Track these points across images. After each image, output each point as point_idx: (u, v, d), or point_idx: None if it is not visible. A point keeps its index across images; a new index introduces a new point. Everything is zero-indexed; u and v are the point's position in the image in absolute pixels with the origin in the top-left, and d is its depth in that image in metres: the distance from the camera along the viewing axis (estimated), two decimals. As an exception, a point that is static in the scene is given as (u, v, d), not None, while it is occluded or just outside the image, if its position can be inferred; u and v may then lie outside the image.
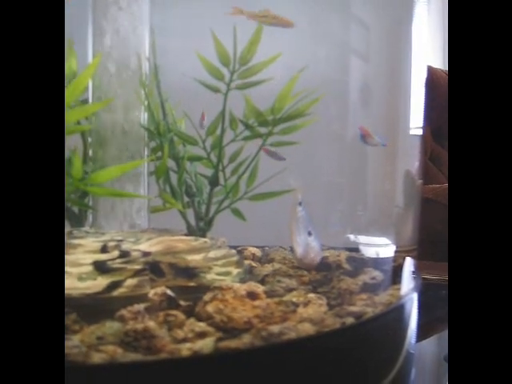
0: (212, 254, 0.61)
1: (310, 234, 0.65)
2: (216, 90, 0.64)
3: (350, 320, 0.51)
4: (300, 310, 0.54)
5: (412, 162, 0.78)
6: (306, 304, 0.55)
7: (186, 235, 0.63)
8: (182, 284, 0.57)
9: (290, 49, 0.63)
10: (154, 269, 0.56)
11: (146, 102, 0.62)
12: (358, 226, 0.74)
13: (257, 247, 0.79)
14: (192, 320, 0.50)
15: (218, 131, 0.65)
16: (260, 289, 0.57)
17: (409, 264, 0.68)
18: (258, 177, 0.66)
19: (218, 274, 0.59)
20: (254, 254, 0.76)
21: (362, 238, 0.73)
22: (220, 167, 0.65)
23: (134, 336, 0.46)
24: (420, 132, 0.78)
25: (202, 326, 0.49)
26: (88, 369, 0.41)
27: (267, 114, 0.64)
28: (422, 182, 0.78)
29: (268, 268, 0.70)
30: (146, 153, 0.64)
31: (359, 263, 0.68)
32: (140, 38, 0.63)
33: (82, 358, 0.41)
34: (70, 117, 0.57)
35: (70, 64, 0.65)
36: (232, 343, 0.44)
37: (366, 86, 0.77)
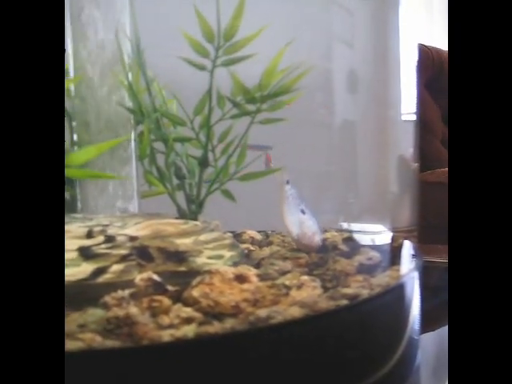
0: (203, 238, 0.59)
1: (303, 212, 0.63)
2: (201, 68, 0.62)
3: (343, 302, 0.49)
4: (293, 293, 0.52)
5: (406, 147, 0.76)
6: (300, 287, 0.53)
7: (176, 219, 0.61)
8: (172, 269, 0.56)
9: (276, 23, 0.61)
10: (141, 254, 0.54)
11: (126, 82, 0.60)
12: (351, 214, 0.72)
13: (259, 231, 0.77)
14: (179, 305, 0.48)
15: (206, 110, 0.62)
16: (252, 272, 0.55)
17: (408, 245, 0.66)
18: (247, 157, 0.64)
19: (210, 257, 0.57)
20: (252, 238, 0.74)
21: (356, 226, 0.71)
22: (210, 147, 0.63)
23: (116, 323, 0.44)
24: (413, 117, 0.75)
25: (188, 311, 0.47)
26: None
27: (254, 90, 0.62)
28: (418, 165, 0.75)
29: (266, 251, 0.68)
30: (132, 135, 0.62)
31: (356, 244, 0.66)
32: (120, 17, 0.61)
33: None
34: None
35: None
36: (211, 328, 0.42)
37: (351, 72, 0.75)
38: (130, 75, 0.61)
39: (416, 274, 0.58)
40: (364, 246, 0.64)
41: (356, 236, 0.68)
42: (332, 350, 0.47)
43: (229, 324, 0.43)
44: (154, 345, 0.41)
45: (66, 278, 0.51)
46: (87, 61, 0.60)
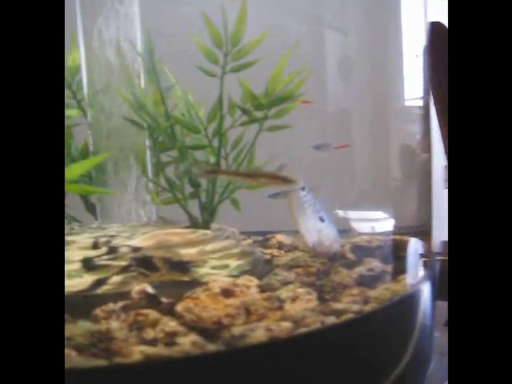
0: (210, 247, 0.59)
1: (321, 219, 0.62)
2: (212, 75, 0.62)
3: (330, 319, 0.49)
4: (287, 305, 0.52)
5: (410, 134, 0.72)
6: (294, 300, 0.53)
7: (189, 227, 0.62)
8: (175, 279, 0.57)
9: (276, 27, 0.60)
10: (145, 264, 0.56)
11: (129, 96, 0.61)
12: (348, 201, 0.70)
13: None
14: (167, 319, 0.49)
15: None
16: (252, 283, 0.56)
17: (415, 249, 0.64)
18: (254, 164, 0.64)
19: (214, 267, 0.58)
20: (280, 242, 0.74)
21: (354, 213, 0.68)
22: (223, 154, 0.64)
23: (98, 337, 0.46)
24: (419, 103, 0.71)
25: (173, 325, 0.48)
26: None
27: (262, 97, 0.62)
28: (427, 155, 0.71)
29: (289, 257, 0.68)
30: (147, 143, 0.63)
31: (365, 252, 0.64)
32: (133, 26, 0.63)
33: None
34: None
35: (74, 57, 0.66)
36: (165, 351, 0.43)
37: (346, 59, 0.72)
38: (140, 84, 0.62)
39: (425, 285, 0.56)
40: (372, 254, 0.62)
41: (354, 224, 0.66)
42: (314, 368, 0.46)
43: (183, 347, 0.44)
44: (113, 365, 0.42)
45: (67, 289, 0.54)
46: (100, 71, 0.62)
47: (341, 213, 0.66)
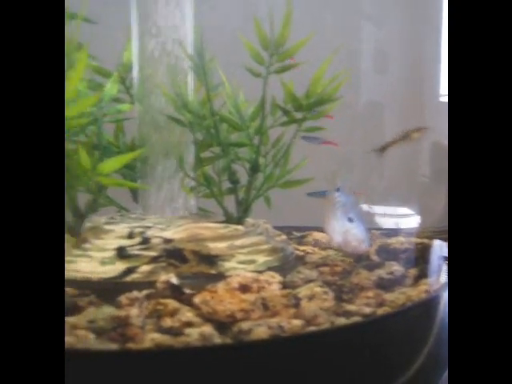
0: (239, 242, 0.62)
1: (350, 220, 0.63)
2: (257, 75, 0.64)
3: (341, 320, 0.50)
4: (303, 303, 0.54)
5: (443, 131, 0.71)
6: (311, 298, 0.54)
7: (223, 222, 0.65)
8: (204, 271, 0.60)
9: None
10: (175, 255, 0.59)
11: (172, 94, 0.64)
12: (375, 196, 0.70)
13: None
14: (185, 309, 0.52)
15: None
16: (275, 279, 0.58)
17: (440, 249, 0.63)
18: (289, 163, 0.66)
19: (240, 262, 0.60)
20: (316, 240, 0.76)
21: (379, 208, 0.68)
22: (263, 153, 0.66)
23: (117, 323, 0.49)
24: None
25: (189, 316, 0.51)
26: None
27: (303, 99, 0.63)
28: None
29: (321, 255, 0.69)
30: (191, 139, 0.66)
31: (389, 254, 0.64)
32: (184, 27, 0.66)
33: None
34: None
35: (128, 55, 0.70)
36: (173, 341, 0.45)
37: (381, 53, 0.72)
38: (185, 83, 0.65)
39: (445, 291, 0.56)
40: (397, 256, 0.63)
41: (378, 219, 0.66)
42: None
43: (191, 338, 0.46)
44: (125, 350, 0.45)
45: (99, 275, 0.57)
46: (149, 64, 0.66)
47: (366, 208, 0.67)
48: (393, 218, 0.71)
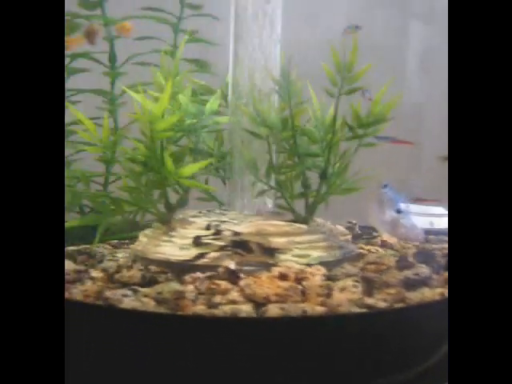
0: (299, 239, 0.72)
1: (398, 211, 0.70)
2: (332, 95, 0.74)
3: (356, 310, 0.59)
4: (335, 294, 0.63)
5: None
6: (342, 290, 0.63)
7: (291, 221, 0.75)
8: (265, 260, 0.71)
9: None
10: (241, 246, 0.71)
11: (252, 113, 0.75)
12: (411, 194, 0.75)
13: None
14: (236, 289, 0.64)
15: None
16: (320, 271, 0.67)
17: None
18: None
19: (295, 255, 0.70)
20: (384, 241, 0.83)
21: (414, 207, 0.74)
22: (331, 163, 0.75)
23: (177, 295, 0.62)
24: None
25: (235, 295, 0.62)
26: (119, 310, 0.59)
27: (365, 118, 0.72)
28: None
29: (379, 254, 0.77)
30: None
31: (427, 257, 0.71)
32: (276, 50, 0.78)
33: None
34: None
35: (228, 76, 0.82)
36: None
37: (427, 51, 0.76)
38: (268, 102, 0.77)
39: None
40: (432, 260, 0.69)
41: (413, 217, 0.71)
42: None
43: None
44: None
45: (175, 258, 0.71)
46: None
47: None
48: (426, 217, 0.77)
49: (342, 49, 0.72)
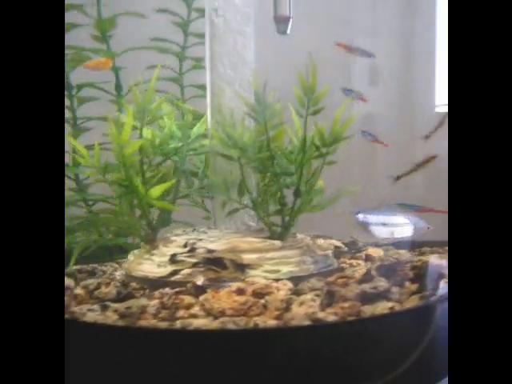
0: (270, 255, 0.74)
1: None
2: (301, 116, 0.77)
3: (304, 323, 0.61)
4: (294, 307, 0.65)
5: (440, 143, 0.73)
6: (301, 304, 0.65)
7: (268, 238, 0.78)
8: (237, 276, 0.73)
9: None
10: (213, 263, 0.74)
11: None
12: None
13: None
14: (199, 304, 0.66)
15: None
16: (286, 286, 0.69)
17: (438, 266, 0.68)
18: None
19: (265, 271, 0.73)
20: (368, 255, 0.84)
21: (373, 218, 0.74)
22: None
23: (141, 310, 0.66)
24: None
25: (196, 309, 0.65)
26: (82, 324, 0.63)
27: (328, 137, 0.75)
28: None
29: (357, 268, 0.78)
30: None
31: (388, 271, 0.71)
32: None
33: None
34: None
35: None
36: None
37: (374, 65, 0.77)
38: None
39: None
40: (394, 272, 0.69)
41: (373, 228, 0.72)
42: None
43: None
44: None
45: (152, 275, 0.74)
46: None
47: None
48: (387, 227, 0.77)
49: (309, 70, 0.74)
